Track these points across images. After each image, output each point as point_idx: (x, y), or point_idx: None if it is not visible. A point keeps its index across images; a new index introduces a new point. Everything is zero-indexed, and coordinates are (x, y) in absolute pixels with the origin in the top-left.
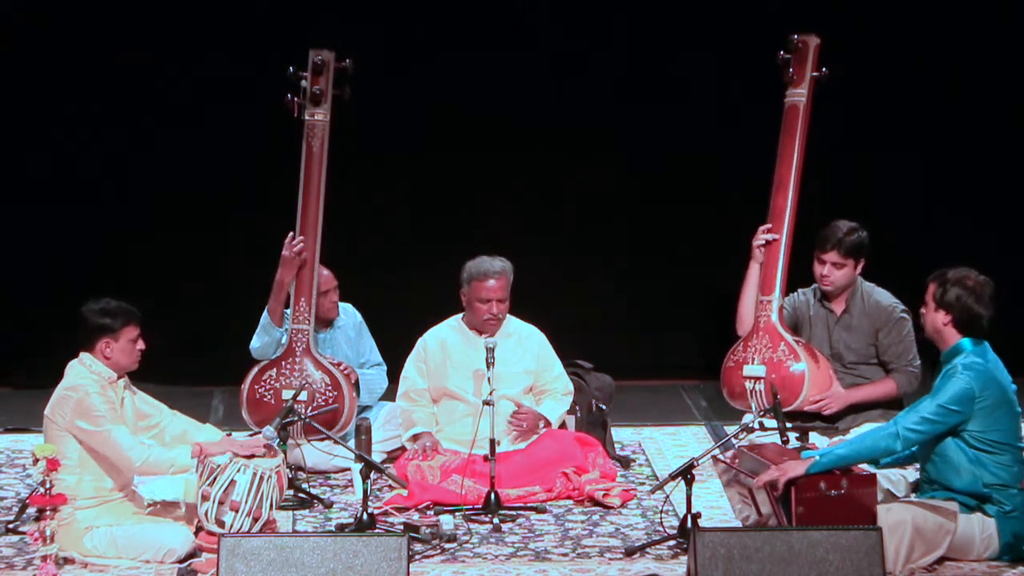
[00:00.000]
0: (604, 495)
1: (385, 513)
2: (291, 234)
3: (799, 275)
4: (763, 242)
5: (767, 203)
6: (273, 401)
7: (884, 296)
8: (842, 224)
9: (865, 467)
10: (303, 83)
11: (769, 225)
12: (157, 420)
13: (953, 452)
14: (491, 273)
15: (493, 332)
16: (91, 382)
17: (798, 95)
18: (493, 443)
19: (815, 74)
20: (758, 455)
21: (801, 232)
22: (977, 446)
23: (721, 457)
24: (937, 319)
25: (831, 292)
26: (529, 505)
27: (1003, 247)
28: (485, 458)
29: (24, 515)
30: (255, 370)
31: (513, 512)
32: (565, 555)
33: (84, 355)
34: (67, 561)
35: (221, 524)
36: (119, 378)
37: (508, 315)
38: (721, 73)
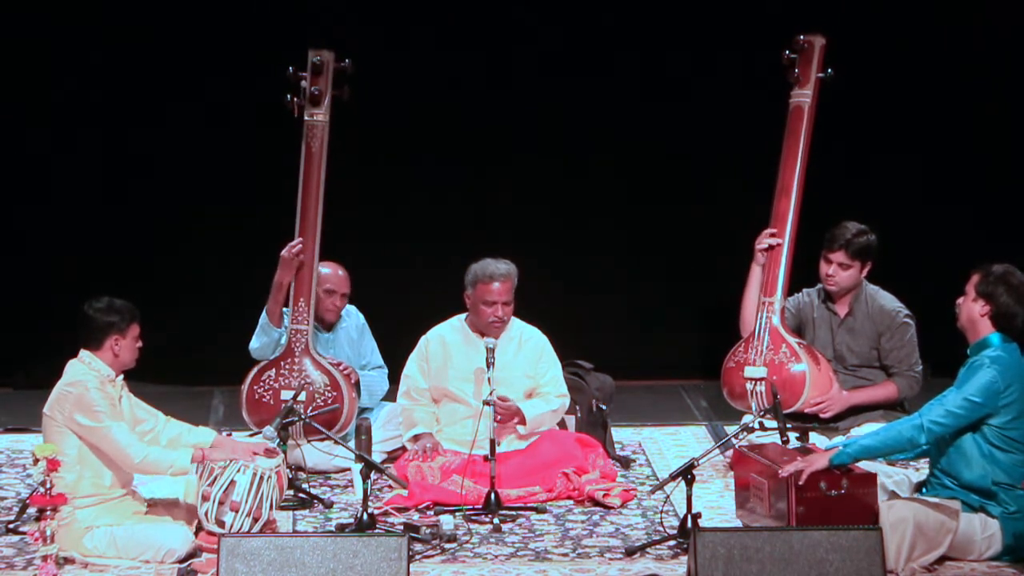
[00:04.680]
0: (604, 495)
1: (385, 513)
2: (297, 241)
3: (802, 276)
4: (766, 246)
5: (769, 204)
6: (272, 402)
7: (888, 300)
8: (851, 225)
9: (865, 466)
10: (302, 83)
11: (774, 229)
12: (152, 425)
13: (968, 445)
14: (496, 276)
15: (498, 335)
16: (91, 378)
17: (803, 96)
18: (493, 443)
19: (820, 75)
20: (759, 455)
21: (803, 234)
22: (994, 442)
23: (740, 447)
24: (975, 308)
25: (835, 293)
26: (529, 505)
27: (1002, 248)
28: (485, 458)
29: (24, 515)
30: (254, 371)
31: (513, 512)
32: (565, 555)
33: (84, 353)
34: (67, 561)
35: (221, 524)
36: (117, 375)
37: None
38: (724, 73)
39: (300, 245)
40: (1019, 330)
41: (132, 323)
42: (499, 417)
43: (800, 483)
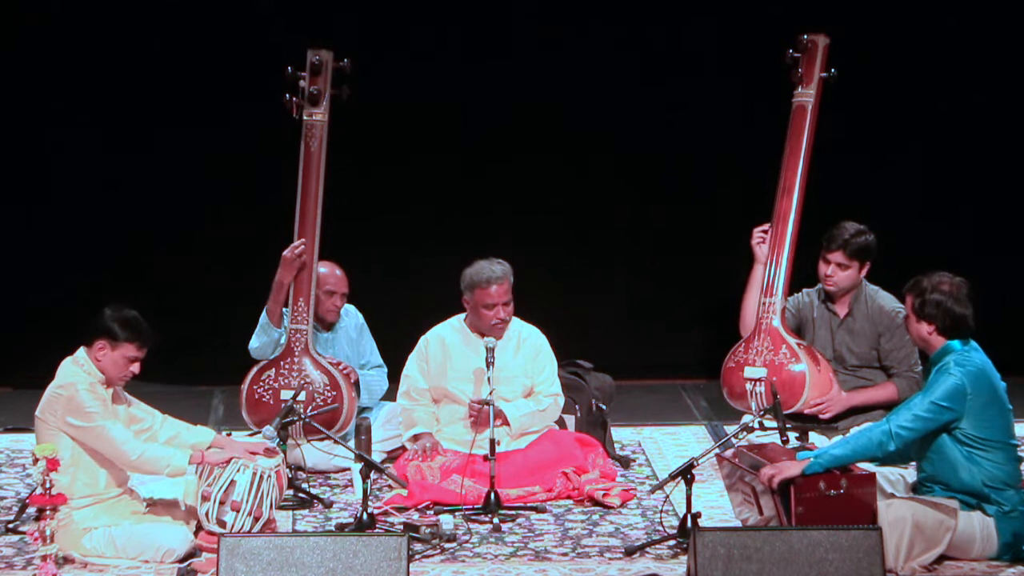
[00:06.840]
0: (604, 495)
1: (385, 513)
2: (300, 242)
3: (802, 276)
4: (759, 239)
5: (771, 203)
6: (272, 401)
7: (887, 300)
8: (850, 225)
9: (864, 466)
10: (301, 83)
11: (766, 227)
12: (149, 424)
13: (949, 449)
14: (493, 279)
15: (501, 335)
16: (80, 379)
17: (806, 96)
18: (493, 443)
19: (824, 75)
20: (758, 455)
21: (804, 234)
22: (970, 443)
23: (726, 456)
24: (921, 329)
25: (834, 293)
26: (529, 505)
27: (1001, 248)
28: (485, 458)
29: (24, 515)
30: (254, 370)
31: (513, 512)
32: (565, 555)
33: (81, 351)
34: (67, 561)
35: (222, 524)
36: (108, 387)
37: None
38: (724, 73)
39: (303, 246)
40: (972, 328)
41: (128, 342)
42: (472, 418)
43: (772, 489)
